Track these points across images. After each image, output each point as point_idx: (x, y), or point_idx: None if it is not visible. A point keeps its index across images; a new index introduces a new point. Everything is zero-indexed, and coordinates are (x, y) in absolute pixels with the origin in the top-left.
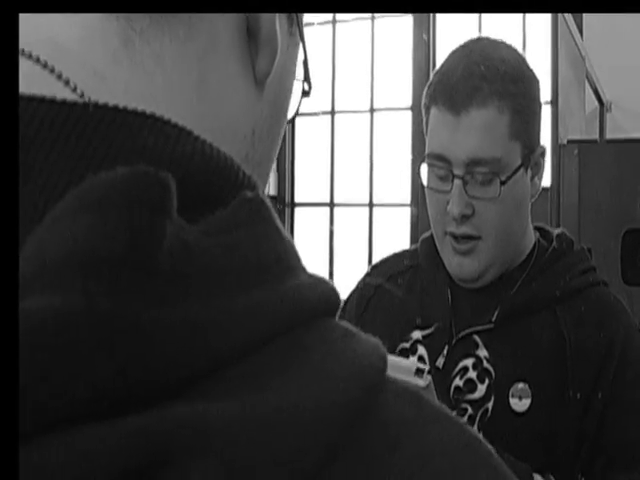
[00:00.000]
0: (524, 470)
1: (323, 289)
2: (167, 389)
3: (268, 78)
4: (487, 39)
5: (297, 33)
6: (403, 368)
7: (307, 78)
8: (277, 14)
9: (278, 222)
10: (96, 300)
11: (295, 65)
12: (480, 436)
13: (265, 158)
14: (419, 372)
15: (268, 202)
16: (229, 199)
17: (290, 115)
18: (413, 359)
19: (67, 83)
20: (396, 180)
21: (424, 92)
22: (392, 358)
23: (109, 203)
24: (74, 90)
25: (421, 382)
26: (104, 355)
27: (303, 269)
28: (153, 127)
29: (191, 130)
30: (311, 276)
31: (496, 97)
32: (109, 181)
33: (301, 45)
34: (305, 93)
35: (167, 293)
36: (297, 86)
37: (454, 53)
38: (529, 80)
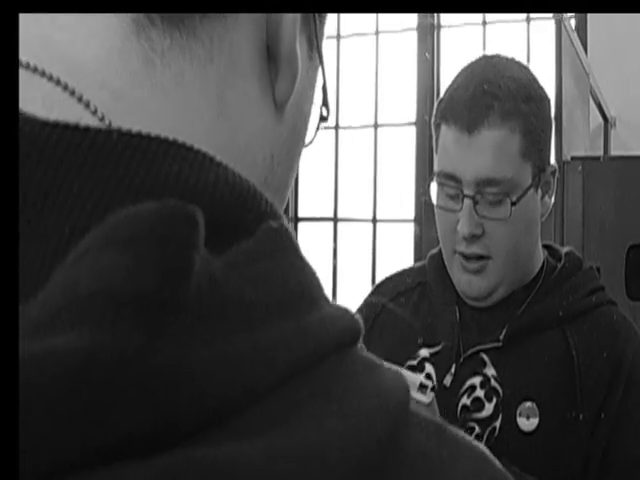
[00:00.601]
0: None
1: (347, 320)
2: (194, 429)
3: (288, 102)
4: (498, 56)
5: (317, 57)
6: (408, 382)
7: (325, 103)
8: (297, 37)
9: (302, 252)
10: (125, 340)
11: (314, 89)
12: (503, 468)
13: (283, 183)
14: (422, 388)
15: (292, 231)
16: (253, 228)
17: (308, 140)
18: (419, 375)
19: (87, 105)
20: (400, 195)
21: (434, 109)
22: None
23: (139, 239)
24: (94, 113)
25: (424, 399)
26: (132, 396)
27: (326, 299)
28: (177, 154)
29: (213, 156)
30: (334, 306)
31: (508, 117)
32: (138, 216)
33: (320, 69)
34: (323, 118)
35: (195, 330)
36: (315, 111)
37: (465, 70)
38: (540, 99)
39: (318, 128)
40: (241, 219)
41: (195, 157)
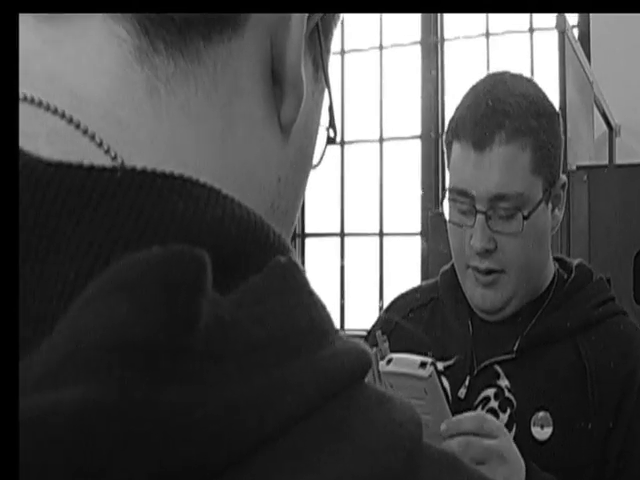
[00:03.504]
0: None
1: (358, 353)
2: (205, 476)
3: (294, 124)
4: (508, 73)
5: (322, 78)
6: (409, 362)
7: (332, 124)
8: (302, 59)
9: (311, 287)
10: (132, 390)
11: (320, 111)
12: None
13: (291, 206)
14: (423, 365)
15: (300, 266)
16: (262, 264)
17: (315, 162)
18: (419, 356)
19: (93, 138)
20: (406, 209)
21: (446, 127)
22: (399, 355)
23: (145, 285)
24: (100, 145)
25: (423, 373)
26: (141, 448)
27: (337, 333)
28: (182, 190)
29: (219, 189)
30: (345, 341)
31: (519, 134)
32: (144, 262)
33: (327, 91)
34: (330, 140)
35: (204, 374)
36: (322, 132)
37: (475, 87)
38: (550, 115)
39: (325, 150)
40: (249, 255)
41: (201, 192)
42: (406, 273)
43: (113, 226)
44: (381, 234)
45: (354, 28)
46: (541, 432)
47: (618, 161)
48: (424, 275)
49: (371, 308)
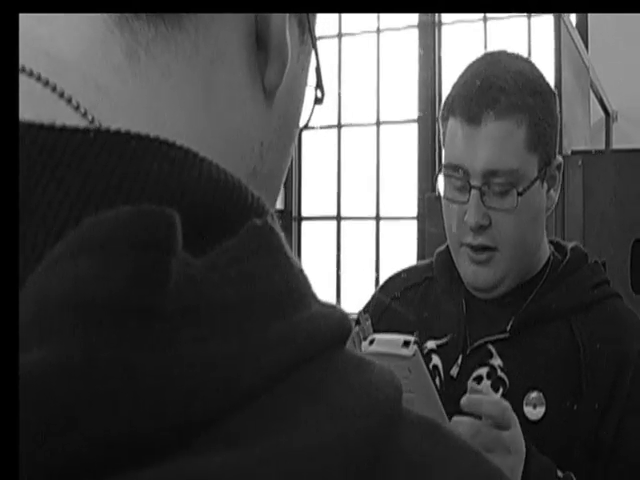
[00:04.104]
0: (548, 464)
1: (336, 318)
2: (179, 438)
3: (278, 89)
4: (505, 52)
5: (309, 41)
6: (391, 342)
7: (320, 85)
8: (287, 22)
9: (288, 250)
10: (96, 351)
11: (306, 74)
12: (498, 467)
13: (276, 170)
14: (406, 344)
15: (278, 229)
16: (238, 227)
17: (302, 124)
18: (403, 335)
19: (69, 101)
20: (402, 193)
21: (442, 103)
22: (381, 335)
23: (112, 245)
24: (77, 108)
25: (407, 352)
26: (108, 409)
27: (314, 297)
28: (157, 152)
29: (197, 152)
30: (323, 304)
31: (514, 109)
32: (111, 220)
33: (313, 52)
34: (318, 100)
35: (175, 334)
36: (309, 94)
37: (472, 66)
38: (546, 93)
39: (313, 110)
40: (225, 217)
41: (177, 154)
42: (403, 257)
43: (84, 186)
44: (377, 218)
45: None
46: (533, 412)
47: (615, 147)
48: (420, 258)
49: (368, 292)
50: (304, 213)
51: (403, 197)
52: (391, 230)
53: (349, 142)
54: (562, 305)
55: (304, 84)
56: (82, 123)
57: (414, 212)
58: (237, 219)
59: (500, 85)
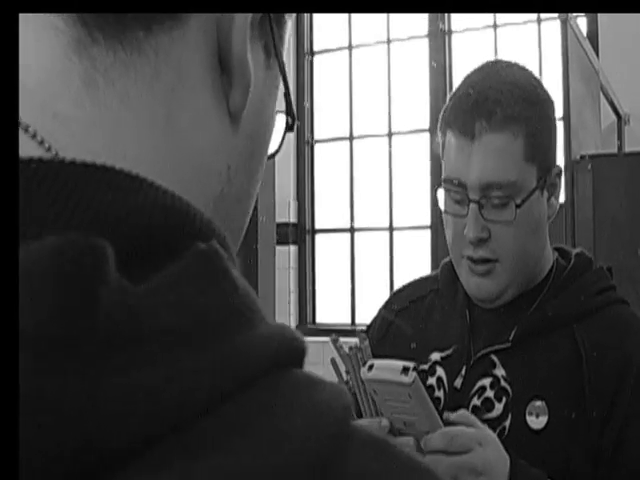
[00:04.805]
0: (537, 475)
1: (282, 339)
2: (103, 465)
3: (243, 112)
4: (501, 62)
5: (276, 66)
6: (390, 368)
7: (289, 111)
8: (249, 45)
9: (233, 272)
10: (26, 379)
11: (274, 98)
12: None
13: (244, 193)
14: (405, 370)
15: (222, 252)
16: (183, 251)
17: (273, 149)
18: (402, 362)
19: (26, 130)
20: (416, 203)
21: (440, 116)
22: (380, 361)
23: (37, 277)
24: (33, 137)
25: (406, 379)
26: (32, 434)
27: (262, 319)
28: (101, 180)
29: (145, 178)
30: (271, 326)
31: (510, 121)
32: (37, 252)
33: (282, 78)
34: (289, 127)
35: (103, 362)
36: (282, 119)
37: (468, 77)
38: (543, 102)
39: (284, 137)
40: (170, 242)
41: (123, 181)
42: (416, 267)
43: (25, 216)
44: (391, 228)
45: (361, 23)
46: (536, 421)
47: (627, 150)
48: (434, 268)
49: (382, 303)
50: (317, 225)
51: (416, 207)
52: (405, 240)
53: (361, 154)
54: (565, 313)
55: (272, 108)
56: (40, 151)
57: (427, 222)
58: (183, 244)
59: (495, 97)
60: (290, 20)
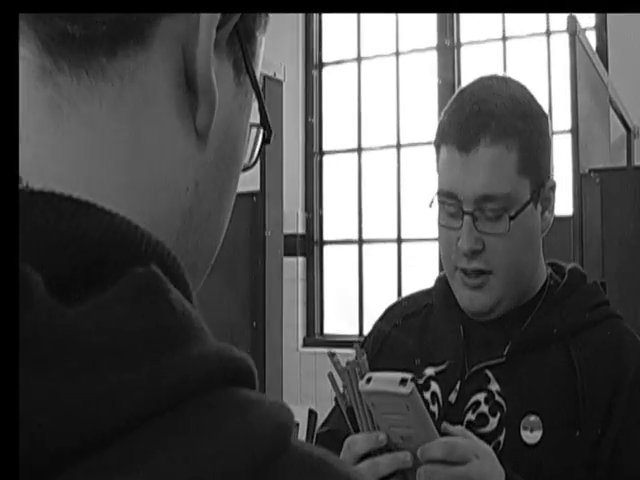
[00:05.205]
0: None
1: (219, 358)
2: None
3: (210, 129)
4: (495, 77)
5: (247, 81)
6: (388, 380)
7: (264, 125)
8: (213, 62)
9: (172, 294)
10: None
11: (246, 113)
12: None
13: (214, 208)
14: (403, 382)
15: (161, 275)
16: (123, 274)
17: (249, 162)
18: (400, 374)
19: None
20: (424, 215)
21: (435, 131)
22: (378, 374)
23: None
24: None
25: (404, 390)
26: None
27: (201, 339)
28: (46, 205)
29: (93, 202)
30: (210, 345)
31: (504, 134)
32: None
33: (255, 92)
34: (265, 140)
35: (28, 380)
36: (258, 132)
37: (462, 91)
38: (537, 116)
39: (261, 149)
40: (111, 265)
41: (68, 206)
42: (425, 278)
43: None
44: (399, 240)
45: (370, 35)
46: (530, 436)
47: (637, 163)
48: None
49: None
50: (326, 237)
51: (424, 219)
52: (413, 252)
53: (370, 165)
54: (559, 328)
55: (243, 123)
56: None
57: (435, 234)
58: (123, 266)
59: (489, 110)
60: (262, 36)
